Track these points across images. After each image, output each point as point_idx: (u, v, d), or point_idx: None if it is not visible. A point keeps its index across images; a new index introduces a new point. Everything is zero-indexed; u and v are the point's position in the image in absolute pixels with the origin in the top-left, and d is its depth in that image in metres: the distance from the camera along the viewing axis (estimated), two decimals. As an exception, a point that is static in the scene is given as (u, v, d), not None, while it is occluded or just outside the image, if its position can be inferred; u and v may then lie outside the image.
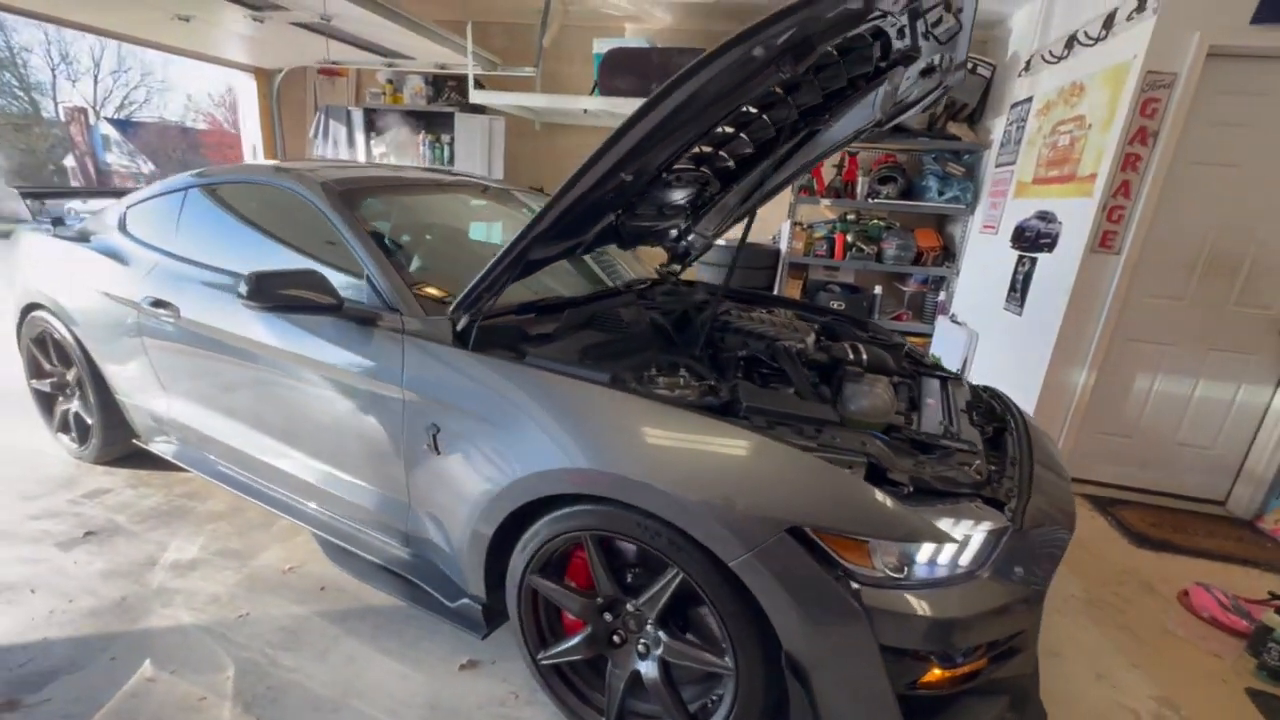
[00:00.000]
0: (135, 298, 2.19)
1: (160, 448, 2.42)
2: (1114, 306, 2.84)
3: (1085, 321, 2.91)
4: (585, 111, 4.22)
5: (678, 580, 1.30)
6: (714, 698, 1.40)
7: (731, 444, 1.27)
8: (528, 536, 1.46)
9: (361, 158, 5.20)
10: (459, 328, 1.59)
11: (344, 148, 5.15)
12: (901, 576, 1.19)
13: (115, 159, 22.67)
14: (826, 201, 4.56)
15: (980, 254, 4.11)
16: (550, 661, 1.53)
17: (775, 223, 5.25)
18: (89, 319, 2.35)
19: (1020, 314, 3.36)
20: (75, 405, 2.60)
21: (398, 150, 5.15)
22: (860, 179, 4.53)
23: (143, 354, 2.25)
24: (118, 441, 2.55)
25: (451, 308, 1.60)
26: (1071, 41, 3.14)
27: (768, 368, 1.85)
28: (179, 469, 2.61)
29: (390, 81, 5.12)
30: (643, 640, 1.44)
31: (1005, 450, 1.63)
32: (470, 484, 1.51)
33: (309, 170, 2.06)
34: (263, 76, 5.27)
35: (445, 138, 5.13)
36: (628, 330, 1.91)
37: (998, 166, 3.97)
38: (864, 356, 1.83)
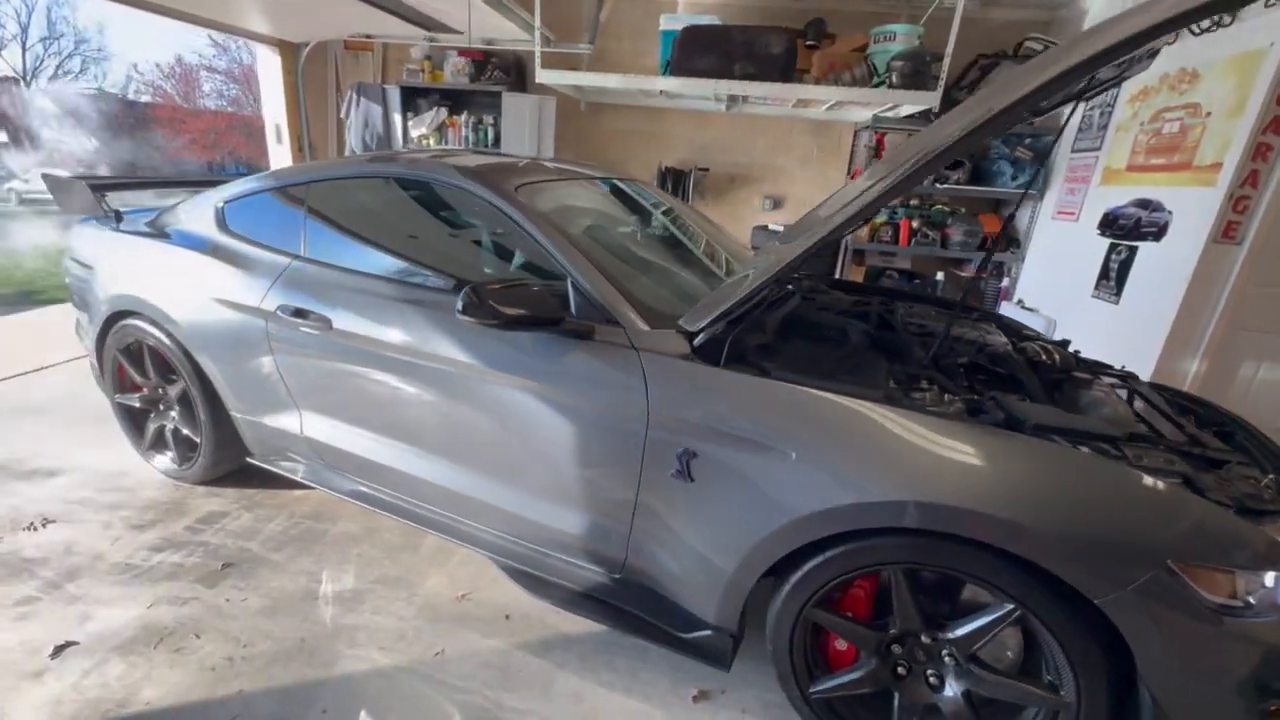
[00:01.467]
0: (266, 306, 1.99)
1: (285, 467, 2.23)
2: (1231, 297, 2.86)
3: (1200, 311, 2.93)
4: (661, 93, 4.02)
5: (1013, 614, 1.23)
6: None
7: (1072, 468, 1.20)
8: (812, 569, 1.36)
9: (399, 140, 4.89)
10: (697, 341, 1.47)
11: (378, 129, 4.82)
12: (1258, 605, 1.14)
13: (54, 135, 20.97)
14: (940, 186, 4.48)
15: (1053, 240, 4.11)
16: (823, 695, 1.46)
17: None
18: (202, 329, 2.13)
19: (1117, 302, 3.37)
20: (176, 422, 2.37)
21: (436, 133, 4.85)
22: (926, 163, 4.47)
23: (271, 368, 2.05)
24: (227, 460, 2.35)
25: (693, 320, 1.48)
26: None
27: (985, 374, 1.78)
28: (290, 487, 2.43)
29: (429, 58, 4.79)
30: (933, 671, 1.37)
31: (1254, 456, 1.60)
32: (735, 516, 1.41)
33: (473, 164, 1.88)
34: (288, 50, 4.87)
35: (488, 119, 4.86)
36: (830, 335, 1.81)
37: (1075, 152, 3.95)
38: (1061, 359, 1.78)
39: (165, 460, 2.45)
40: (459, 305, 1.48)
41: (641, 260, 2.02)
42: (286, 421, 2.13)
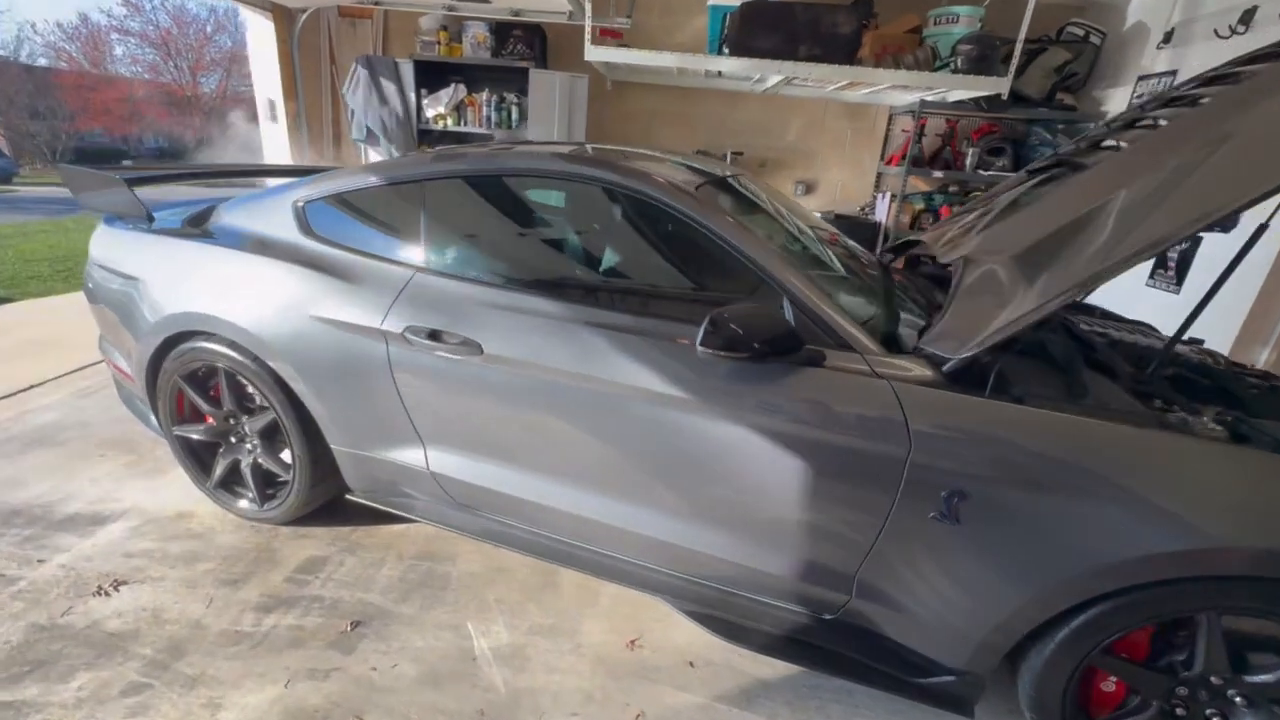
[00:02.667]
0: (389, 327, 1.71)
1: (397, 504, 1.98)
2: (1306, 286, 2.95)
3: (1274, 301, 3.01)
4: (718, 73, 3.79)
5: None
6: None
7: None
8: (1105, 613, 1.26)
9: (413, 121, 4.47)
10: (948, 368, 1.33)
11: (393, 106, 4.38)
12: None
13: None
14: (939, 173, 4.44)
15: (1095, 227, 4.16)
16: (1095, 741, 1.38)
17: (857, 192, 5.10)
18: (301, 353, 1.82)
19: (1177, 292, 3.44)
20: (256, 456, 2.06)
21: (454, 112, 4.46)
22: (968, 150, 4.44)
23: (391, 397, 1.78)
24: (320, 497, 2.07)
25: (945, 343, 1.34)
26: (1249, 16, 3.12)
27: (1190, 387, 1.71)
28: (386, 522, 2.17)
29: (444, 28, 4.37)
30: (1214, 710, 1.31)
31: None
32: (1014, 561, 1.29)
33: (646, 166, 1.66)
34: (282, 16, 4.33)
35: (510, 97, 4.49)
36: (1034, 350, 1.70)
37: (1120, 140, 3.98)
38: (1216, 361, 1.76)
39: (240, 500, 2.14)
40: (700, 337, 1.28)
41: (815, 269, 1.85)
42: (407, 456, 1.87)
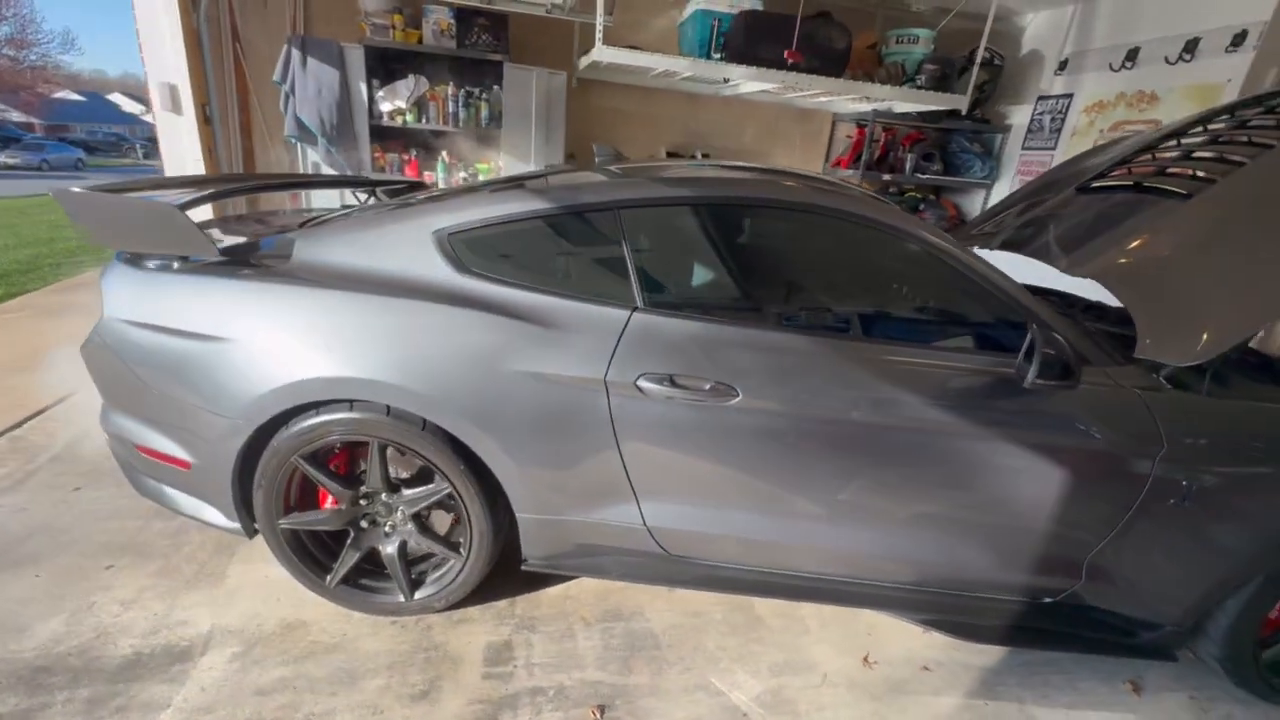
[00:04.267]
0: (616, 376, 1.54)
1: (587, 565, 1.79)
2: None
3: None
4: (726, 81, 3.80)
5: None
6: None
7: None
8: None
9: (361, 117, 3.87)
10: (1165, 373, 1.57)
11: (335, 99, 3.75)
12: None
13: None
14: (886, 176, 4.92)
15: (1007, 223, 4.94)
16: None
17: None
18: (495, 413, 1.55)
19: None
20: (406, 538, 1.72)
21: (415, 108, 3.96)
22: (905, 155, 4.98)
23: (609, 451, 1.61)
24: (484, 573, 1.79)
25: (1171, 351, 1.56)
26: (1134, 55, 3.91)
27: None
28: (541, 586, 1.97)
29: (400, 12, 3.83)
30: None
31: None
32: (1234, 529, 1.56)
33: (872, 200, 1.67)
34: (185, -18, 3.46)
35: (478, 92, 4.10)
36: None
37: (1025, 149, 4.76)
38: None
39: (376, 594, 1.77)
40: (1036, 369, 1.36)
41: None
42: (616, 514, 1.69)
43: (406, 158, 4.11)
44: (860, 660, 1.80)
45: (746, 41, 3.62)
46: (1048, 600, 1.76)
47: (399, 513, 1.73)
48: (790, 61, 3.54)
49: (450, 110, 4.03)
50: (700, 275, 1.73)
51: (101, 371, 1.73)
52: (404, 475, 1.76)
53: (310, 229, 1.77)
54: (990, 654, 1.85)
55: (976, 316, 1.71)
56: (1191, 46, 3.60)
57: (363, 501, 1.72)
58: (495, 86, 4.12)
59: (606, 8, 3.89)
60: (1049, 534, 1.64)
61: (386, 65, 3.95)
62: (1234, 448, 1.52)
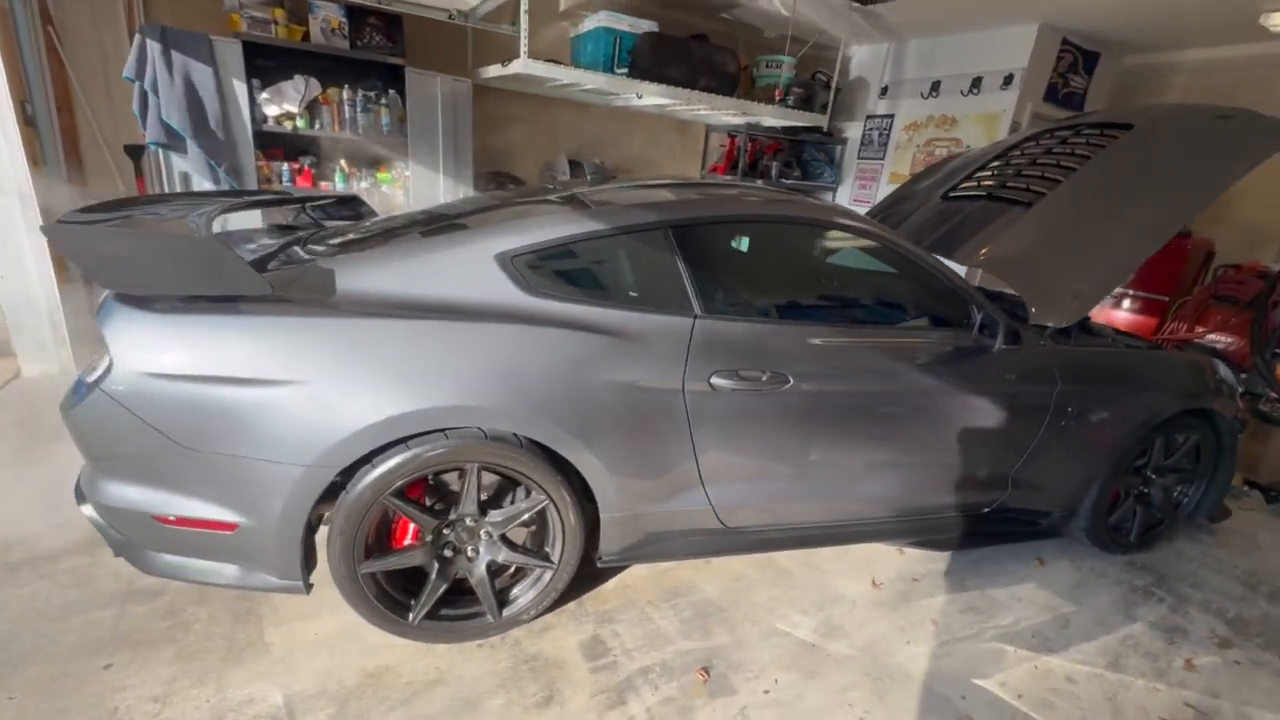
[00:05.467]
0: (692, 377, 1.75)
1: (654, 551, 1.96)
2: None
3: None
4: (640, 97, 4.01)
5: None
6: None
7: None
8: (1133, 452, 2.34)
9: (244, 120, 3.42)
10: (1049, 332, 2.23)
11: (206, 99, 3.27)
12: None
13: None
14: (760, 181, 5.58)
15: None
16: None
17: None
18: (590, 423, 1.67)
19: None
20: (494, 557, 1.73)
21: (306, 112, 3.61)
22: (770, 163, 5.70)
23: (683, 444, 1.81)
24: (571, 578, 1.87)
25: (1053, 316, 2.20)
26: (937, 87, 4.99)
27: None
28: (599, 580, 2.10)
29: (281, 5, 3.43)
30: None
31: None
32: (1100, 440, 2.27)
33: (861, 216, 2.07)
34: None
35: (374, 96, 3.84)
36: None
37: (861, 158, 5.75)
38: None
39: (458, 621, 1.76)
40: (1003, 337, 1.86)
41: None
42: (686, 500, 1.89)
43: (297, 166, 3.71)
44: (870, 584, 2.24)
45: (654, 61, 3.92)
46: (985, 510, 2.35)
47: (483, 534, 1.74)
48: (701, 82, 3.91)
49: (347, 115, 3.73)
50: (744, 282, 1.99)
51: (101, 436, 1.47)
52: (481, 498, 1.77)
53: (344, 258, 1.68)
54: (952, 559, 2.41)
55: (935, 303, 2.20)
56: (977, 83, 4.72)
57: (445, 530, 1.70)
58: (391, 91, 3.90)
59: (512, 19, 3.93)
60: (990, 459, 2.21)
61: (268, 64, 3.52)
62: (1092, 378, 2.21)
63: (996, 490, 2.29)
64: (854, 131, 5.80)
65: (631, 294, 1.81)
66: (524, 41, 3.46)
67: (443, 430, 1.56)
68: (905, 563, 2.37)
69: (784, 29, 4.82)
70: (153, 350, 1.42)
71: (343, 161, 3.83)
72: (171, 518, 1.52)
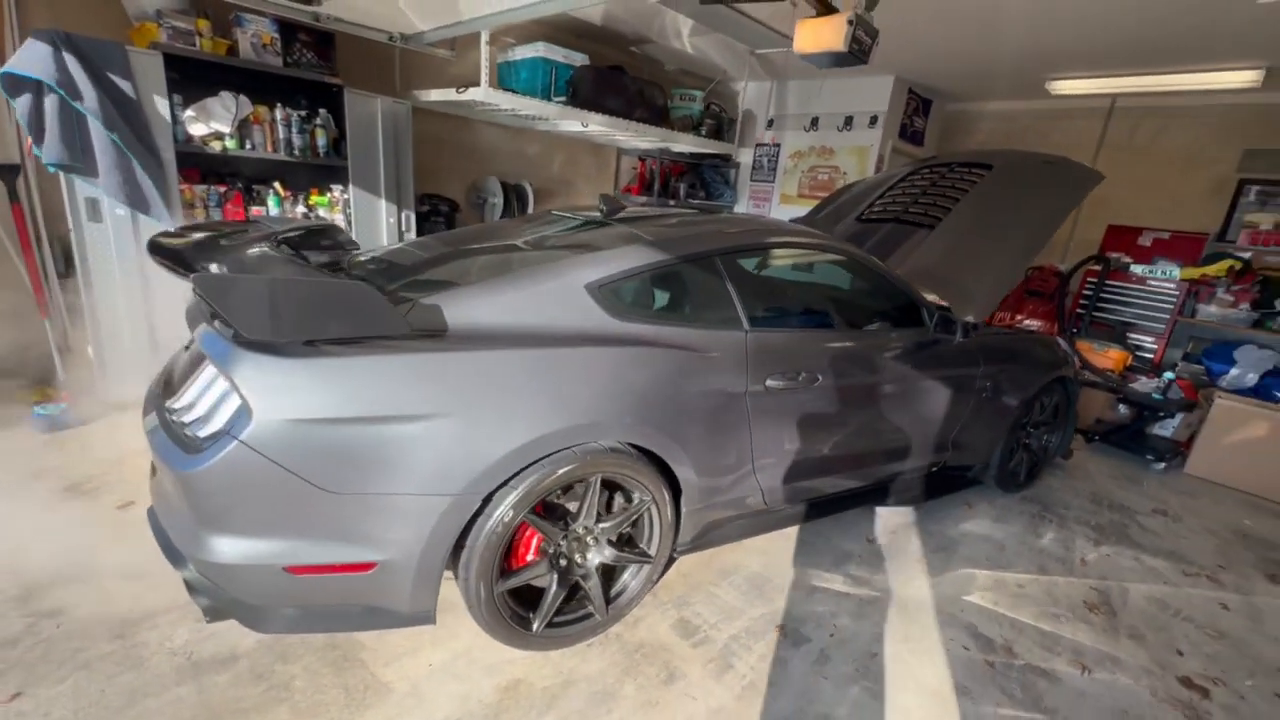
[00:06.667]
0: (753, 383, 2.07)
1: (715, 537, 2.25)
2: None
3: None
4: (585, 126, 4.19)
5: None
6: None
7: None
8: (1031, 408, 3.10)
9: (164, 140, 3.06)
10: (960, 332, 2.91)
11: (120, 117, 2.90)
12: None
13: None
14: (672, 201, 6.04)
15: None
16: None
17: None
18: (683, 429, 1.92)
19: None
20: (602, 561, 1.89)
21: (237, 132, 3.32)
22: (678, 184, 6.21)
23: (744, 439, 2.14)
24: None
25: (971, 313, 2.88)
26: (816, 122, 5.85)
27: None
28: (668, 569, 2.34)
29: (205, 16, 3.12)
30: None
31: None
32: (1005, 406, 2.99)
33: (825, 233, 2.54)
34: None
35: (306, 116, 3.63)
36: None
37: (753, 181, 6.49)
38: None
39: (573, 625, 1.89)
40: (960, 333, 2.42)
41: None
42: (743, 487, 2.20)
43: (225, 190, 3.38)
44: (865, 541, 2.72)
45: (594, 92, 4.18)
46: (934, 469, 2.96)
47: (593, 538, 1.90)
48: (637, 113, 4.25)
49: (281, 136, 3.49)
50: (772, 298, 2.35)
51: (234, 490, 1.41)
52: (570, 507, 1.92)
53: (445, 294, 1.76)
54: (914, 513, 2.99)
55: (903, 309, 2.73)
56: (849, 121, 5.63)
57: (561, 541, 1.83)
58: (323, 110, 3.70)
59: (453, 44, 3.97)
60: (939, 428, 2.81)
61: (191, 79, 3.18)
62: (1000, 359, 2.92)
63: (943, 452, 2.91)
64: (746, 157, 6.52)
65: (694, 313, 2.09)
66: (485, 68, 3.52)
67: (570, 448, 1.71)
68: (883, 522, 2.90)
69: (685, 64, 5.35)
70: (294, 395, 1.41)
71: (276, 185, 3.55)
72: (308, 566, 1.49)
